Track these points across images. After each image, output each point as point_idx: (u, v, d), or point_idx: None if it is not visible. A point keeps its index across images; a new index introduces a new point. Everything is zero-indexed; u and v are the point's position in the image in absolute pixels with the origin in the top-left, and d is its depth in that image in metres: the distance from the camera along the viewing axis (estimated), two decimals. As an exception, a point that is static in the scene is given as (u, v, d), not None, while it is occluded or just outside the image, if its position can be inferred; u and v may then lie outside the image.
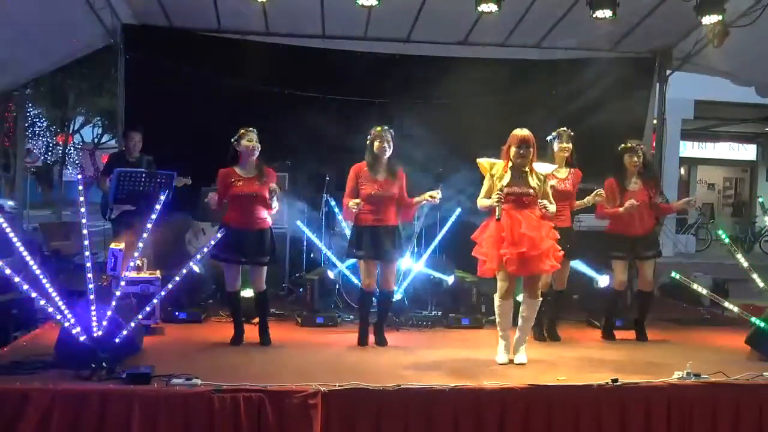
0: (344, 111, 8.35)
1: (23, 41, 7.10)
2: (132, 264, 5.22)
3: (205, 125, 7.57)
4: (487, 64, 8.67)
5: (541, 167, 5.35)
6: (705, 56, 8.42)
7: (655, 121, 9.68)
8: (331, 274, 7.09)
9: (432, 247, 7.27)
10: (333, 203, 7.36)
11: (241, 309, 5.87)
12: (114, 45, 8.31)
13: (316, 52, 8.67)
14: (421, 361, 5.25)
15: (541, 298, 5.41)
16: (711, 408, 4.57)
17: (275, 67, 8.44)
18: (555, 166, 5.82)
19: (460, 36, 8.69)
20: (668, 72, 9.31)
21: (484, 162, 5.35)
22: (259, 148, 5.69)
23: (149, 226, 5.07)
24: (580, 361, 5.37)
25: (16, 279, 4.48)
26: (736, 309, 5.73)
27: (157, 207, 5.04)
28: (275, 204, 5.66)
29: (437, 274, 7.08)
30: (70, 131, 26.01)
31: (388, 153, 5.75)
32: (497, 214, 5.08)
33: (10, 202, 16.97)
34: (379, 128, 5.77)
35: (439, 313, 6.82)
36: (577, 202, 6.17)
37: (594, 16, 7.11)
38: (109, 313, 4.69)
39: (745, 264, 5.64)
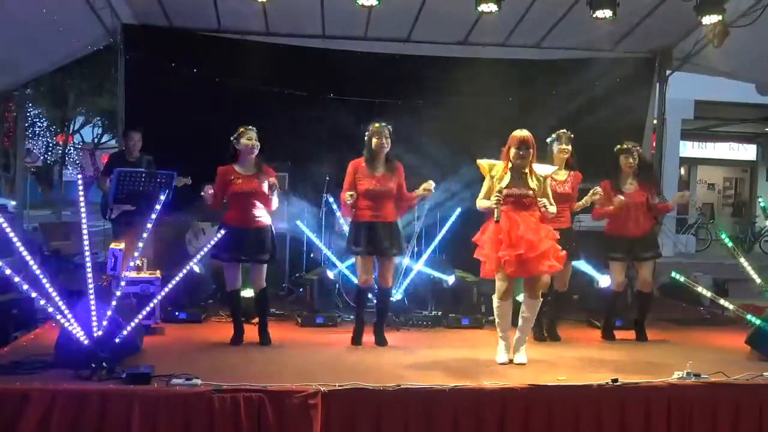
0: (344, 111, 8.35)
1: (23, 41, 7.10)
2: (132, 264, 5.22)
3: (205, 125, 7.57)
4: (487, 64, 8.66)
5: (541, 169, 5.35)
6: (705, 56, 8.42)
7: (655, 121, 9.68)
8: (330, 274, 7.10)
9: (432, 247, 7.28)
10: (333, 203, 7.36)
11: (241, 309, 5.87)
12: (114, 45, 8.32)
13: (316, 52, 8.67)
14: (421, 361, 5.25)
15: (541, 299, 5.42)
16: (711, 408, 4.56)
17: (275, 67, 8.44)
18: (555, 167, 5.82)
19: (460, 36, 8.70)
20: (668, 72, 9.31)
21: (483, 163, 5.35)
22: (259, 147, 5.72)
23: (149, 226, 5.07)
24: (580, 361, 5.37)
25: (16, 279, 4.48)
26: (732, 307, 5.74)
27: (157, 207, 5.05)
28: (275, 200, 5.68)
29: (437, 274, 7.09)
30: (70, 131, 26.03)
31: (386, 149, 5.76)
32: (495, 216, 5.08)
33: (13, 203, 16.98)
34: (377, 125, 5.77)
35: (439, 313, 6.81)
36: (578, 204, 6.17)
37: (594, 16, 7.11)
38: (109, 313, 4.69)
39: (750, 270, 5.62)
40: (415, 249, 7.19)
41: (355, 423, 4.25)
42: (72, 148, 27.04)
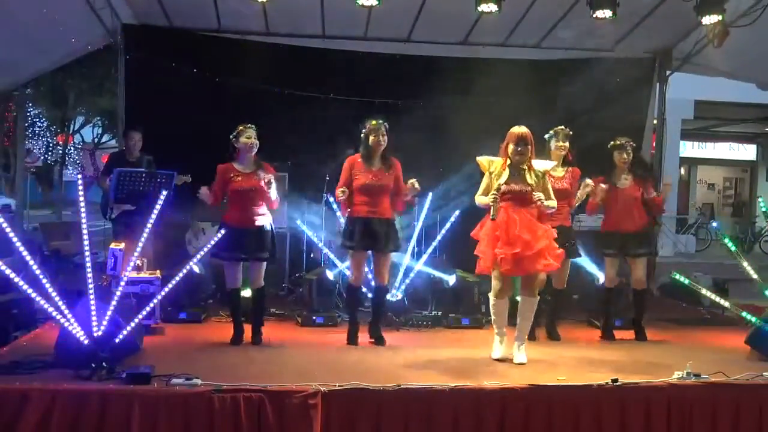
0: (344, 111, 8.34)
1: (23, 41, 7.10)
2: (132, 264, 5.22)
3: (205, 125, 7.57)
4: (487, 64, 8.66)
5: (539, 164, 5.35)
6: (705, 56, 8.42)
7: (655, 121, 9.68)
8: (330, 274, 7.09)
9: (432, 246, 7.28)
10: (333, 202, 7.36)
11: (241, 308, 5.87)
12: (114, 45, 8.32)
13: (316, 52, 8.67)
14: (421, 361, 5.25)
15: (538, 297, 5.41)
16: (711, 408, 4.57)
17: (275, 67, 8.44)
18: (554, 162, 5.82)
19: (460, 36, 8.70)
20: (668, 72, 9.31)
21: (483, 160, 5.37)
22: (258, 145, 5.74)
23: (149, 226, 5.07)
24: (580, 361, 5.37)
25: (16, 279, 4.48)
26: (729, 305, 5.74)
27: (158, 207, 5.04)
28: (273, 194, 5.68)
29: (438, 274, 7.09)
30: (70, 131, 26.00)
31: (383, 146, 5.77)
32: (492, 213, 5.09)
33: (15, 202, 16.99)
34: (374, 122, 5.78)
35: (439, 313, 6.81)
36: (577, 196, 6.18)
37: (594, 16, 7.11)
38: (109, 313, 4.69)
39: (752, 272, 5.62)
40: (416, 249, 7.19)
41: (355, 423, 4.25)
42: (72, 148, 27.01)
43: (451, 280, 7.08)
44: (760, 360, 5.40)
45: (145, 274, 6.10)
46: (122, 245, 5.71)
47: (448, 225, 7.26)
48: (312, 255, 8.08)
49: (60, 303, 4.59)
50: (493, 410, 4.37)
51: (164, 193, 5.21)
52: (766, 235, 18.52)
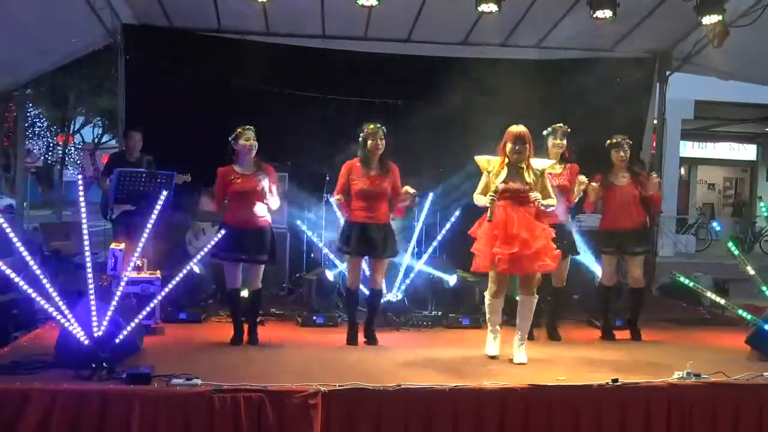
0: (344, 111, 8.35)
1: (23, 41, 7.10)
2: (132, 264, 5.22)
3: (205, 125, 7.57)
4: (487, 64, 8.67)
5: (538, 163, 5.35)
6: (705, 56, 8.42)
7: (655, 121, 9.68)
8: (330, 275, 7.09)
9: (432, 246, 7.28)
10: (333, 202, 7.36)
11: (240, 308, 5.87)
12: (114, 45, 8.32)
13: (316, 52, 8.67)
14: (421, 361, 5.25)
15: (537, 296, 5.41)
16: (711, 408, 4.56)
17: (275, 67, 8.44)
18: (552, 161, 5.82)
19: (460, 36, 8.70)
20: (668, 72, 9.31)
21: (481, 159, 5.37)
22: (257, 146, 5.73)
23: (149, 226, 5.07)
24: (580, 361, 5.37)
25: (17, 279, 4.48)
26: (726, 303, 5.74)
27: (158, 207, 5.05)
28: (273, 204, 5.69)
29: (439, 274, 7.09)
30: (71, 131, 25.98)
31: (381, 150, 5.77)
32: (488, 215, 5.08)
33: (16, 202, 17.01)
34: (372, 126, 5.77)
35: (439, 313, 6.81)
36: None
37: (594, 16, 7.11)
38: (109, 313, 4.69)
39: (758, 280, 5.62)
40: (416, 249, 7.19)
41: (355, 423, 4.25)
42: (72, 148, 26.99)
43: (451, 280, 7.08)
44: (760, 360, 5.40)
45: (145, 275, 6.09)
46: (122, 245, 5.71)
47: (448, 225, 7.26)
48: (312, 255, 8.09)
49: (60, 303, 4.60)
50: (493, 410, 4.37)
51: (164, 193, 5.22)
52: (766, 235, 18.52)
